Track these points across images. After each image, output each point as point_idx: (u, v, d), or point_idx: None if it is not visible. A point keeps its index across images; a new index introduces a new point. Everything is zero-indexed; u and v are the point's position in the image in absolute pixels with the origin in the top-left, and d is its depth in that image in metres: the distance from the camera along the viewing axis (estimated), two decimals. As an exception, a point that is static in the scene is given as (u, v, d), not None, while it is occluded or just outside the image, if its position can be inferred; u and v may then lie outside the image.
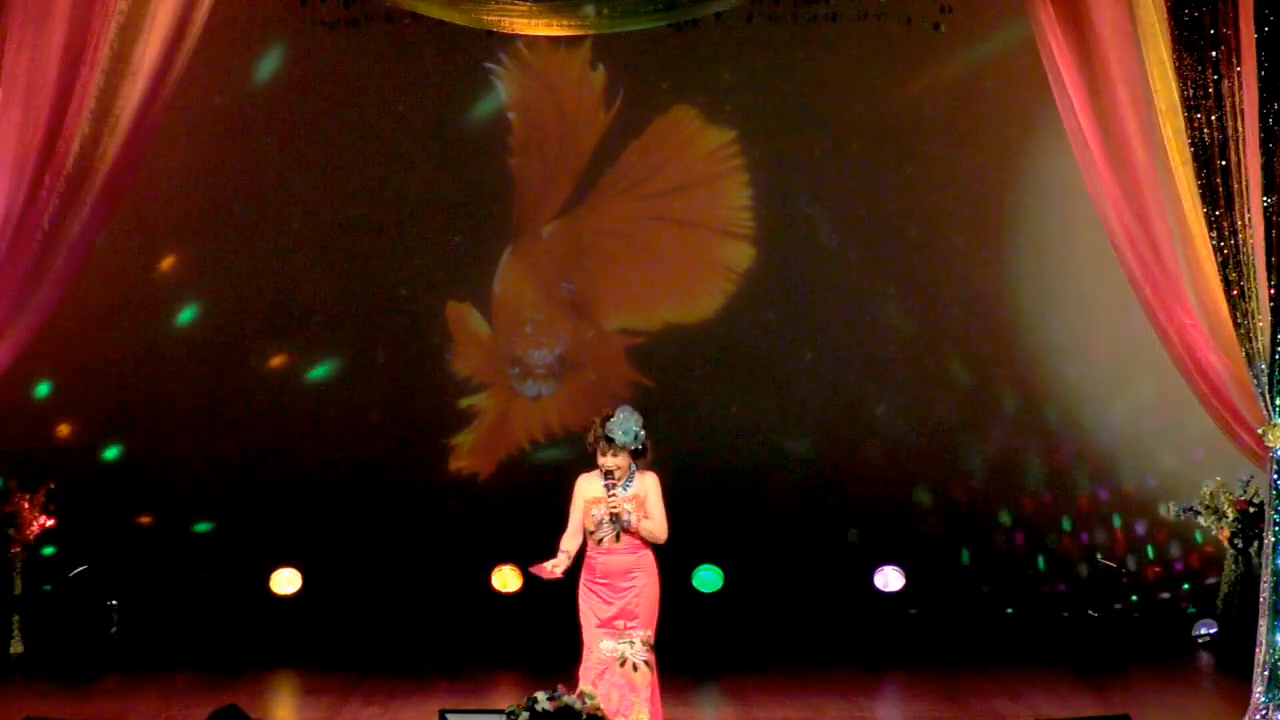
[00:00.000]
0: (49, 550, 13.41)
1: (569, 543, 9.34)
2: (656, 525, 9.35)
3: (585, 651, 9.36)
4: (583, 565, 9.41)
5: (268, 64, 13.74)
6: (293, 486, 13.85)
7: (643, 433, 9.33)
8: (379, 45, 13.63)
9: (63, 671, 12.30)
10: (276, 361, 14.00)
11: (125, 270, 13.68)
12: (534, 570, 9.29)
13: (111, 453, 13.91)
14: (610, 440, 9.26)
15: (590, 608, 9.39)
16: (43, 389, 13.66)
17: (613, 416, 9.31)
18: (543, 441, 14.15)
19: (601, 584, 9.36)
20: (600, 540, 9.33)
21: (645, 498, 9.33)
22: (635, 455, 9.33)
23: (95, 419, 13.86)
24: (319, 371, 14.04)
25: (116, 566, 13.53)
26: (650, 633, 9.37)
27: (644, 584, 9.35)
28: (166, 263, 13.92)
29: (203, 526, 13.95)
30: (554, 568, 9.25)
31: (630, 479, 9.33)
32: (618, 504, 9.26)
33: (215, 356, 13.94)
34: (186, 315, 13.95)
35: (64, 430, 13.83)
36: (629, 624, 9.30)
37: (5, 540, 12.85)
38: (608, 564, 9.35)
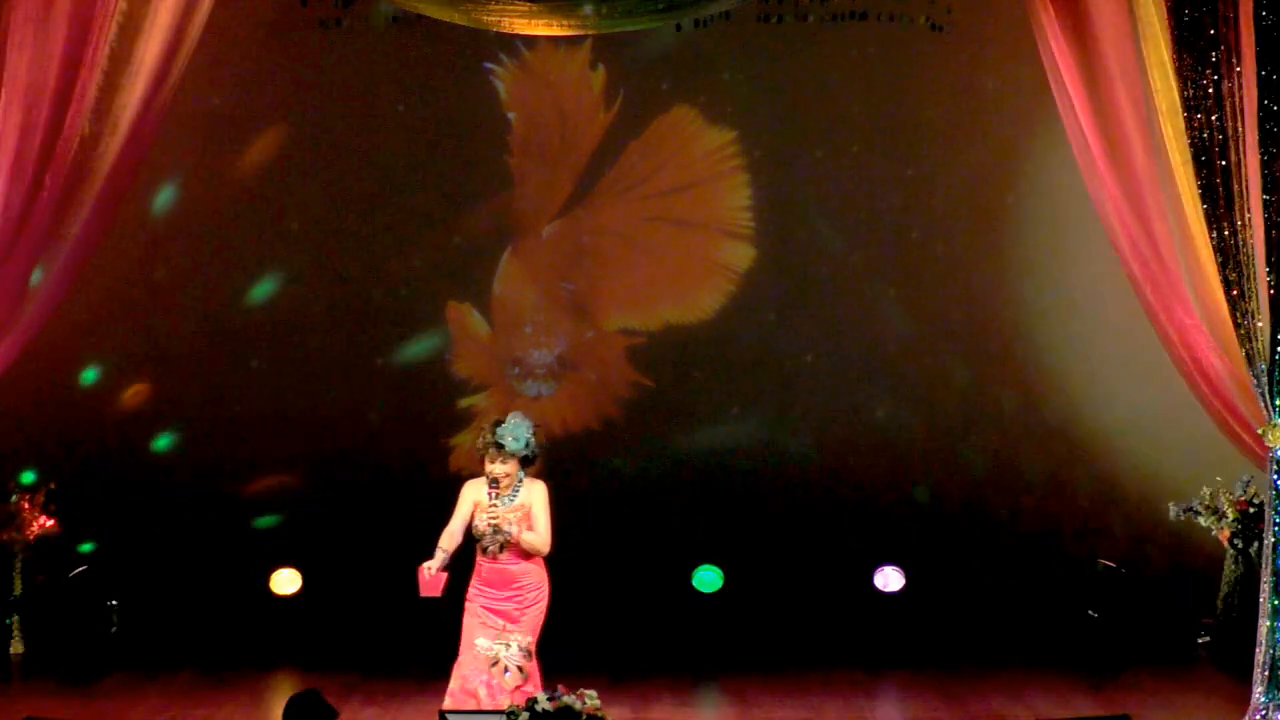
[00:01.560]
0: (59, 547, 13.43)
1: (447, 541, 9.19)
2: (539, 538, 9.23)
3: (462, 649, 9.28)
4: (473, 568, 9.34)
5: (268, 64, 13.73)
6: (292, 486, 13.85)
7: (534, 439, 9.22)
8: (379, 45, 13.64)
9: (63, 671, 12.29)
10: (276, 362, 13.99)
11: (124, 271, 13.67)
12: (421, 583, 9.14)
13: (111, 453, 13.89)
14: (500, 447, 9.13)
15: (473, 607, 9.28)
16: (42, 389, 13.64)
17: (504, 422, 9.20)
18: (542, 441, 14.10)
19: (485, 589, 9.27)
20: (486, 549, 9.24)
21: (531, 507, 9.21)
22: (525, 463, 9.21)
23: (95, 419, 13.85)
24: (318, 371, 14.02)
25: (116, 566, 13.54)
26: (531, 639, 9.26)
27: (529, 595, 9.27)
28: (165, 263, 13.90)
29: (202, 526, 13.94)
30: (430, 566, 9.10)
31: (518, 488, 9.21)
32: (499, 517, 9.13)
33: (215, 356, 13.94)
34: (185, 315, 13.93)
35: (64, 430, 13.81)
36: (509, 626, 9.21)
37: (5, 540, 12.85)
38: (493, 573, 9.26)
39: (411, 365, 14.07)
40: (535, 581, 9.34)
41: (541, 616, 9.36)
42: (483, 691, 9.10)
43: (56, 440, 13.73)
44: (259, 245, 13.93)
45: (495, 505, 9.14)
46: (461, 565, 9.42)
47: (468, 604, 9.34)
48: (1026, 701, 11.24)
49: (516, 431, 9.19)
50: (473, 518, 9.27)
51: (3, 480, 13.05)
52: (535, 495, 9.26)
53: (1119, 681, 11.96)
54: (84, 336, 13.64)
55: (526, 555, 9.28)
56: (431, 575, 9.14)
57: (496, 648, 9.20)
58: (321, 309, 14.00)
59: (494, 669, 9.16)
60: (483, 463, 9.25)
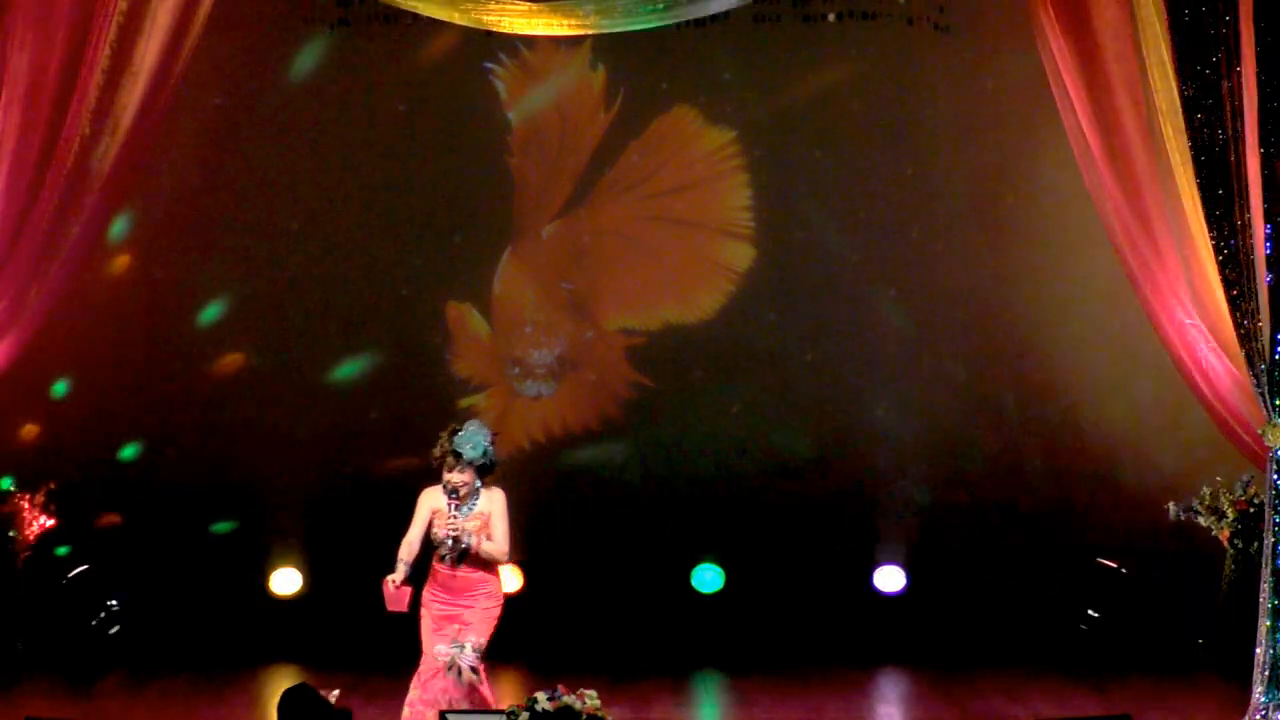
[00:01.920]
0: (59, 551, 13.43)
1: (406, 552, 9.15)
2: (497, 548, 9.20)
3: (422, 658, 9.25)
4: (428, 573, 9.31)
5: (267, 64, 13.73)
6: (292, 486, 13.85)
7: (492, 448, 9.17)
8: (379, 45, 13.63)
9: (63, 671, 12.29)
10: (275, 361, 13.98)
11: (125, 270, 13.67)
12: (386, 596, 9.08)
13: (110, 453, 13.89)
14: (458, 455, 9.08)
15: (429, 613, 9.26)
16: (42, 389, 13.64)
17: (461, 430, 9.14)
18: (543, 441, 14.14)
19: (441, 596, 9.24)
20: (443, 558, 9.21)
21: (490, 516, 9.18)
22: (482, 472, 9.17)
23: (95, 419, 13.85)
24: (318, 371, 14.02)
25: (116, 566, 13.54)
26: (483, 640, 9.23)
27: (485, 601, 9.25)
28: (165, 263, 13.90)
29: (201, 527, 13.94)
30: (394, 580, 9.06)
31: (475, 497, 9.17)
32: (459, 528, 9.09)
33: (214, 356, 13.93)
34: (186, 315, 13.93)
35: (64, 430, 13.81)
36: (463, 628, 9.19)
37: (5, 540, 12.85)
38: (449, 581, 9.23)
39: (411, 365, 14.04)
40: (492, 590, 9.31)
41: (495, 622, 9.31)
42: (442, 699, 9.07)
43: (57, 440, 13.74)
44: (258, 245, 13.91)
45: (455, 516, 9.10)
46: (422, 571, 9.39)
47: (424, 609, 9.31)
48: (1026, 701, 11.24)
49: (475, 440, 9.12)
50: (431, 526, 9.22)
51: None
52: (494, 504, 9.22)
53: (1119, 682, 11.96)
54: (85, 335, 13.64)
55: (484, 565, 9.24)
56: (396, 589, 9.09)
57: (452, 651, 9.17)
58: (321, 309, 13.99)
59: (449, 673, 9.12)
60: (440, 471, 9.20)
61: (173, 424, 13.92)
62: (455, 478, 9.12)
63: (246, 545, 13.80)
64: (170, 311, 13.90)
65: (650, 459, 14.08)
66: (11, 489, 12.84)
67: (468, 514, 9.15)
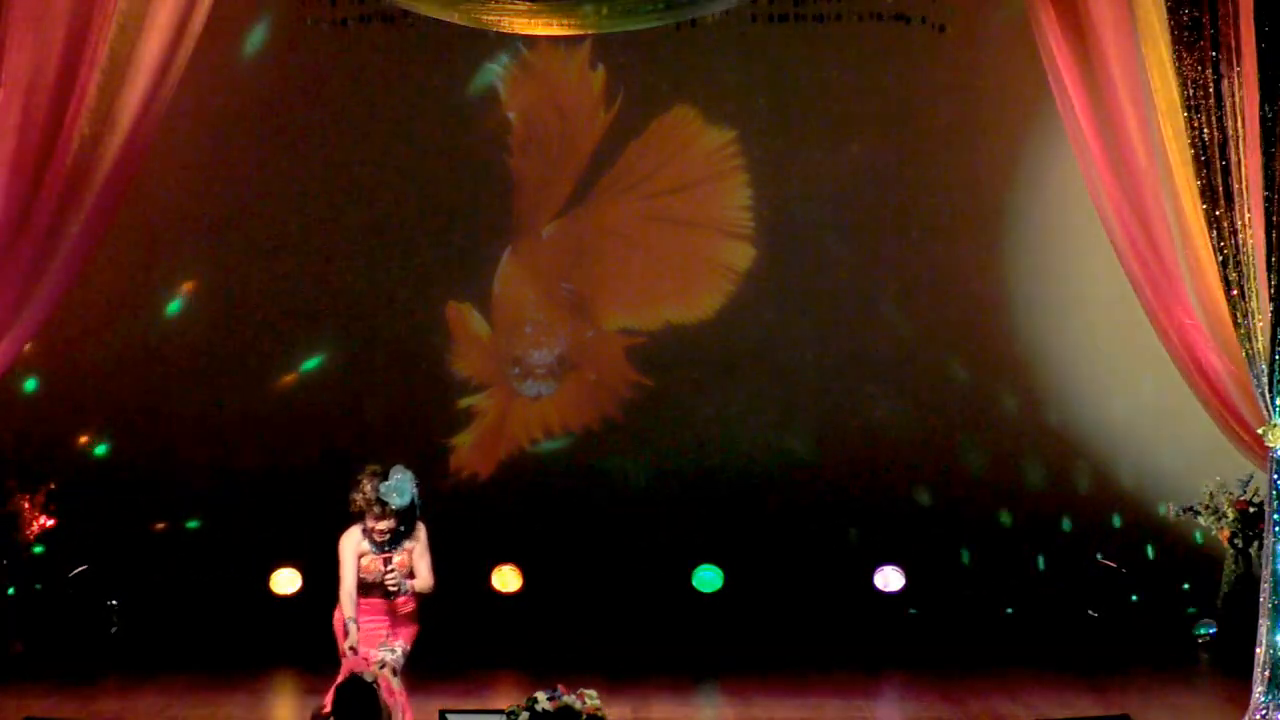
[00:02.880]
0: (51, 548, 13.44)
1: (352, 608, 9.17)
2: (422, 583, 9.24)
3: (342, 664, 9.21)
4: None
5: (267, 64, 13.73)
6: (292, 486, 13.84)
7: (418, 495, 9.13)
8: (378, 45, 13.63)
9: (63, 671, 12.29)
10: (275, 361, 13.99)
11: (124, 270, 13.67)
12: (349, 666, 9.08)
13: (111, 452, 13.89)
14: (384, 505, 9.06)
15: (354, 623, 9.26)
16: (42, 388, 13.65)
17: (387, 479, 9.08)
18: (543, 441, 14.14)
19: (368, 617, 9.28)
20: (368, 592, 9.24)
21: (413, 549, 9.18)
22: (406, 517, 9.13)
23: (95, 419, 13.86)
24: (318, 371, 14.02)
25: (116, 566, 13.54)
26: (409, 647, 9.32)
27: (402, 627, 9.33)
28: (165, 262, 13.90)
29: (201, 526, 13.94)
30: (353, 647, 9.08)
31: (399, 535, 9.16)
32: (397, 582, 9.11)
33: (214, 356, 13.93)
34: (185, 315, 13.93)
35: (64, 430, 13.82)
36: (391, 636, 9.27)
37: (5, 540, 12.85)
38: (372, 608, 9.28)
39: (411, 365, 14.04)
40: (412, 607, 9.37)
41: (415, 628, 9.39)
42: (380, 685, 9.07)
43: (57, 440, 13.75)
44: (258, 245, 13.91)
45: (393, 571, 9.10)
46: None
47: (341, 621, 9.33)
48: (1026, 701, 11.23)
49: (401, 488, 9.09)
50: (359, 569, 9.21)
51: (2, 479, 13.04)
52: (417, 540, 9.23)
53: (1119, 681, 11.95)
54: (84, 336, 13.64)
55: (406, 600, 9.31)
56: (359, 656, 9.11)
57: (382, 652, 9.21)
58: (320, 309, 13.99)
59: (381, 670, 9.11)
60: (358, 513, 9.19)
61: (172, 423, 13.91)
62: (381, 525, 9.12)
63: (246, 545, 13.79)
64: (169, 310, 13.90)
65: (650, 459, 14.08)
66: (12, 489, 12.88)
67: (396, 561, 9.17)
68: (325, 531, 13.64)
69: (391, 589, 9.15)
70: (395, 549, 9.20)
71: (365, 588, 9.25)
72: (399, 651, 9.25)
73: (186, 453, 13.91)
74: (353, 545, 9.23)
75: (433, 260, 14.05)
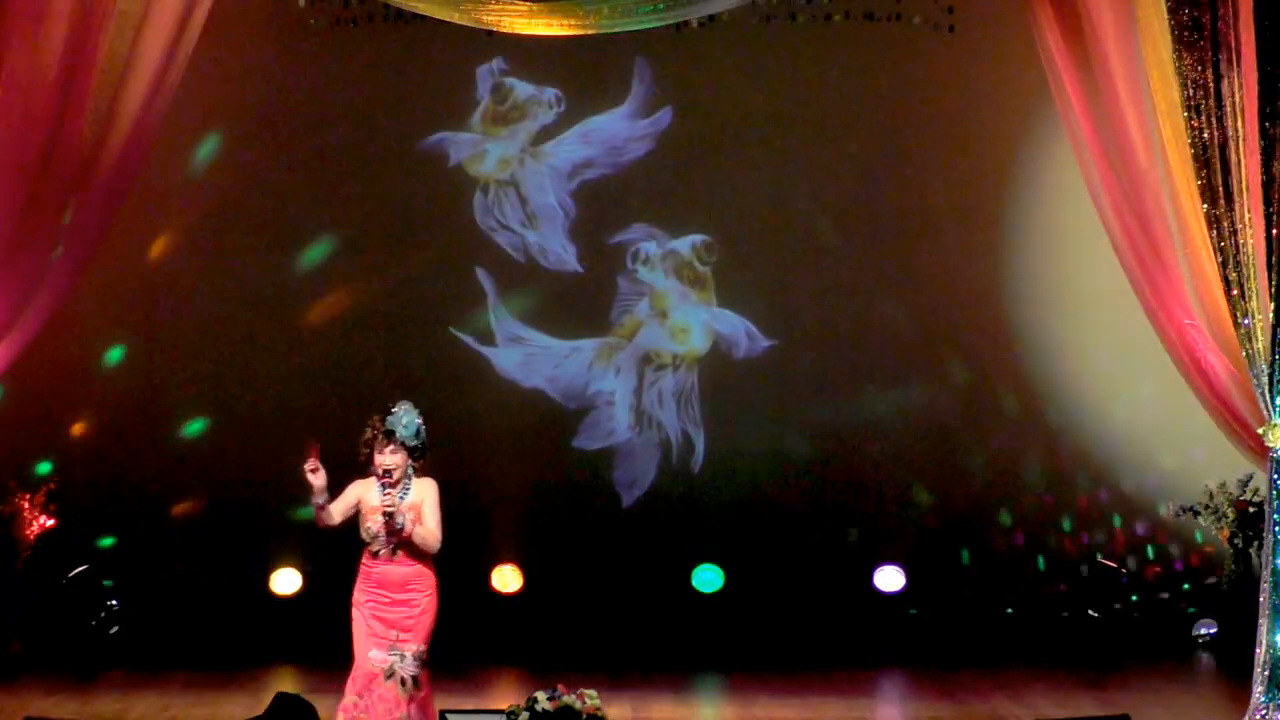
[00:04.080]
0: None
1: (328, 508, 8.95)
2: (429, 532, 8.96)
3: (355, 662, 9.08)
4: (357, 574, 9.16)
5: (267, 64, 13.73)
6: (292, 486, 13.82)
7: (424, 429, 9.01)
8: (379, 45, 13.64)
9: (63, 671, 12.29)
10: (275, 361, 13.99)
11: (124, 270, 13.67)
12: (309, 449, 8.95)
13: (111, 452, 13.89)
14: (390, 434, 8.92)
15: (362, 616, 9.09)
16: (42, 388, 13.64)
17: (393, 411, 9.00)
18: (542, 441, 14.13)
19: (377, 594, 9.06)
20: (377, 552, 9.04)
21: (421, 505, 8.98)
22: (414, 455, 9.00)
23: (95, 418, 13.86)
24: (317, 371, 14.02)
25: (116, 566, 13.54)
26: (424, 648, 9.04)
27: (421, 600, 9.05)
28: (165, 262, 13.90)
29: (201, 526, 13.95)
30: (315, 470, 8.86)
31: (408, 484, 8.99)
32: (393, 504, 8.87)
33: (213, 356, 13.94)
34: (185, 315, 13.93)
35: (64, 430, 13.82)
36: (402, 636, 9.00)
37: (5, 540, 12.85)
38: (384, 575, 9.04)
39: (411, 365, 14.05)
40: (426, 586, 9.09)
41: (432, 622, 9.09)
42: (380, 708, 8.91)
43: (57, 440, 13.75)
44: (258, 245, 13.92)
45: (390, 492, 8.89)
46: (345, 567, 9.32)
47: (355, 610, 9.15)
48: (1026, 701, 11.24)
49: (407, 419, 8.97)
50: (358, 518, 9.05)
51: (3, 479, 13.04)
52: (426, 491, 9.02)
53: (1119, 681, 11.96)
54: (83, 334, 13.64)
55: (417, 557, 9.05)
56: (310, 463, 8.91)
57: (391, 659, 8.99)
58: (319, 308, 13.99)
59: (389, 681, 8.96)
60: (369, 458, 9.03)
61: (172, 424, 13.92)
62: (387, 459, 8.93)
63: (247, 545, 13.80)
64: (169, 311, 13.90)
65: (650, 459, 14.08)
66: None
67: (402, 504, 8.99)
68: (325, 531, 13.75)
69: (388, 510, 8.85)
70: (403, 499, 8.95)
71: (373, 551, 9.05)
72: (409, 657, 8.97)
73: (186, 453, 13.91)
74: (356, 489, 9.04)
75: (432, 260, 14.04)
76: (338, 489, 9.06)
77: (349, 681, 9.08)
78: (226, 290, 13.95)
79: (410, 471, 9.00)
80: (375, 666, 8.99)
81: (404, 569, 9.03)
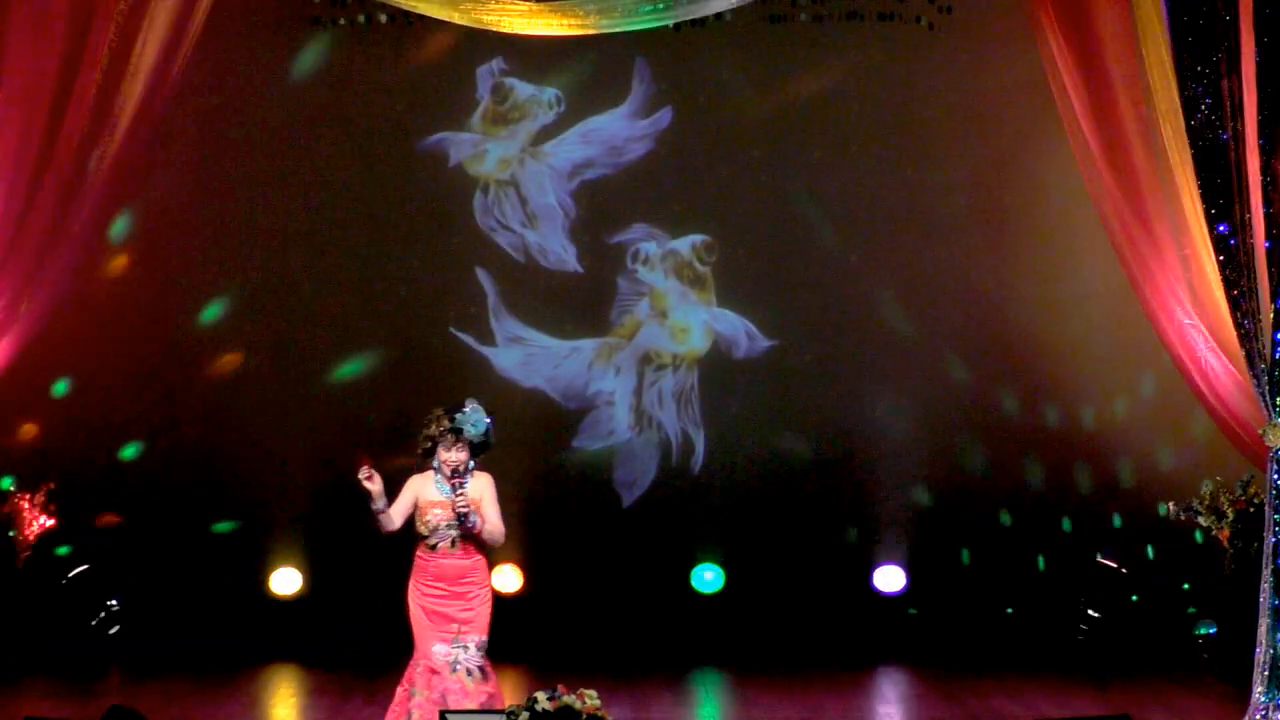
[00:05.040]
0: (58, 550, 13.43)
1: (388, 512, 8.98)
2: (496, 528, 9.09)
3: (415, 655, 9.15)
4: (413, 568, 9.20)
5: (267, 64, 13.72)
6: (292, 486, 13.85)
7: (492, 429, 9.09)
8: (378, 45, 13.64)
9: (63, 671, 12.29)
10: (274, 362, 13.98)
11: (124, 270, 13.67)
12: (360, 459, 9.01)
13: (111, 453, 13.89)
14: (458, 433, 9.00)
15: (422, 610, 9.14)
16: (42, 388, 13.64)
17: (463, 409, 9.06)
18: (542, 441, 14.12)
19: (435, 588, 9.12)
20: (435, 545, 9.10)
21: (481, 500, 9.07)
22: (477, 451, 9.08)
23: (95, 418, 13.85)
24: (317, 371, 14.02)
25: (116, 566, 13.54)
26: (485, 638, 9.14)
27: (478, 590, 9.13)
28: (165, 263, 13.90)
29: (200, 526, 13.94)
30: (370, 477, 8.92)
31: (467, 479, 9.07)
32: (468, 504, 8.96)
33: (213, 356, 13.94)
34: (185, 315, 13.92)
35: (64, 430, 13.81)
36: (463, 628, 9.08)
37: (5, 540, 12.85)
38: (442, 569, 9.11)
39: (411, 365, 14.03)
40: (482, 577, 9.19)
41: (490, 611, 9.20)
42: (449, 700, 8.97)
43: (57, 440, 13.75)
44: (258, 245, 13.91)
45: (463, 493, 8.99)
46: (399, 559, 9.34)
47: (412, 605, 9.20)
48: (1026, 701, 11.24)
49: (476, 418, 9.04)
50: (416, 515, 9.10)
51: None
52: (484, 487, 9.11)
53: (1119, 681, 11.96)
54: (83, 335, 13.64)
55: (476, 549, 9.14)
56: (364, 471, 8.95)
57: (455, 652, 9.08)
58: (320, 308, 13.99)
59: (454, 674, 9.03)
60: (430, 451, 9.10)
61: (172, 424, 13.91)
62: (454, 456, 9.03)
63: (246, 545, 13.80)
64: (169, 311, 13.89)
65: (650, 459, 14.08)
66: (11, 489, 12.85)
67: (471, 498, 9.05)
68: (325, 532, 13.77)
69: (461, 510, 8.96)
70: (463, 488, 9.02)
71: (430, 545, 9.10)
72: (471, 648, 9.07)
73: (186, 453, 13.90)
74: (414, 486, 9.11)
75: (432, 260, 14.04)
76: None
77: (408, 678, 9.14)
78: (227, 291, 13.93)
79: (471, 466, 9.11)
80: (440, 661, 9.06)
81: (463, 561, 9.13)
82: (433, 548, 9.12)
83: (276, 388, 13.96)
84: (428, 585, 9.15)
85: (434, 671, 9.08)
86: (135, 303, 13.83)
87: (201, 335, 13.94)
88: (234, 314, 13.94)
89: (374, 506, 9.01)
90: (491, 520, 9.10)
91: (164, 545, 13.77)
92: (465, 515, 9.00)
